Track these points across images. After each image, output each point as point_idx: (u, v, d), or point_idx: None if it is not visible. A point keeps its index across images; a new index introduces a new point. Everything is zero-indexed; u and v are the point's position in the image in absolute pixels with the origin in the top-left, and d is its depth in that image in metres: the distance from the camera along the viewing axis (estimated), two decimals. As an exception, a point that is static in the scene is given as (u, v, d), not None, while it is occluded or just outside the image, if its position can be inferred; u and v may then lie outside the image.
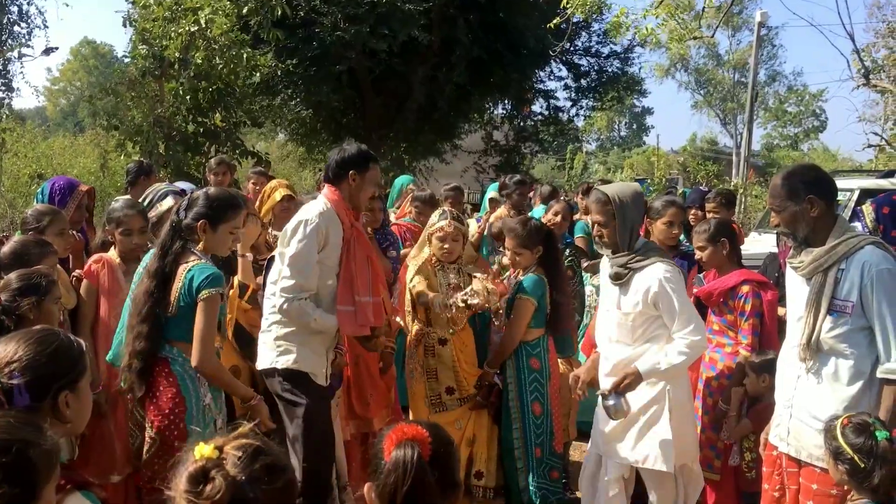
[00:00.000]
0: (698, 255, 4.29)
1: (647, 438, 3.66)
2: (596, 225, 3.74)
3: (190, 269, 3.25)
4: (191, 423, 3.23)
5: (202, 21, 8.99)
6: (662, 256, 3.68)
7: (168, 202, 4.33)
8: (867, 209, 3.96)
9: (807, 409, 3.08)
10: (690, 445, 3.80)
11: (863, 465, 2.57)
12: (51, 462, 1.64)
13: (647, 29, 8.92)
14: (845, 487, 2.72)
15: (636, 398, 3.65)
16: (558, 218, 5.55)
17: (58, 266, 4.02)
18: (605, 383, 3.77)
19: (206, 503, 1.48)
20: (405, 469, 1.75)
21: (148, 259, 3.54)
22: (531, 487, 4.35)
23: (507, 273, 4.89)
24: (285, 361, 3.75)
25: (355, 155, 3.87)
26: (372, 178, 3.92)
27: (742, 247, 4.66)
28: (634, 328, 3.67)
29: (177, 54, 9.14)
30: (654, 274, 3.56)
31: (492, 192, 6.97)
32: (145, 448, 3.28)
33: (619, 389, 3.53)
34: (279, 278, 3.73)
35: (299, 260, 3.70)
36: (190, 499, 1.49)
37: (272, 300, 3.79)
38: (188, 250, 3.32)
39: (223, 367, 3.36)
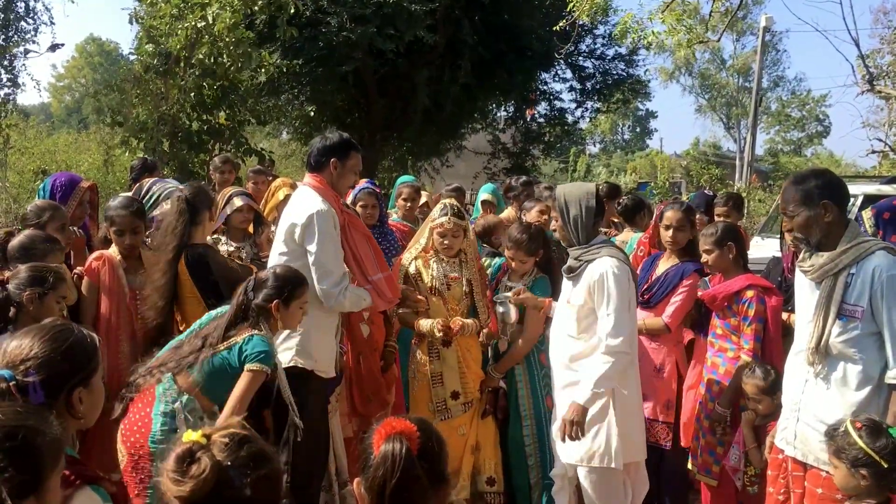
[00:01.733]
0: (704, 258, 4.27)
1: (591, 437, 3.69)
2: (553, 220, 3.91)
3: (250, 337, 3.26)
4: (153, 444, 3.19)
5: (209, 17, 8.99)
6: (615, 253, 3.77)
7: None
8: (866, 214, 3.94)
9: (814, 413, 3.07)
10: (638, 444, 3.83)
11: (886, 466, 2.56)
12: (57, 451, 1.64)
13: (653, 34, 8.90)
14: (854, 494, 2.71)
15: (581, 397, 3.70)
16: (544, 217, 5.56)
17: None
18: (556, 377, 3.92)
19: (191, 482, 1.47)
20: (394, 462, 1.75)
21: (210, 317, 3.52)
22: (545, 482, 4.36)
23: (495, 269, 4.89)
24: (304, 362, 3.76)
25: (337, 142, 3.89)
26: (353, 165, 3.93)
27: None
28: (580, 321, 3.75)
29: (183, 51, 9.13)
30: (601, 266, 3.67)
31: (484, 193, 6.90)
32: (120, 459, 3.29)
33: (570, 430, 3.58)
34: (318, 281, 3.70)
35: (329, 250, 3.73)
36: (175, 478, 1.50)
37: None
38: (258, 325, 3.34)
39: None
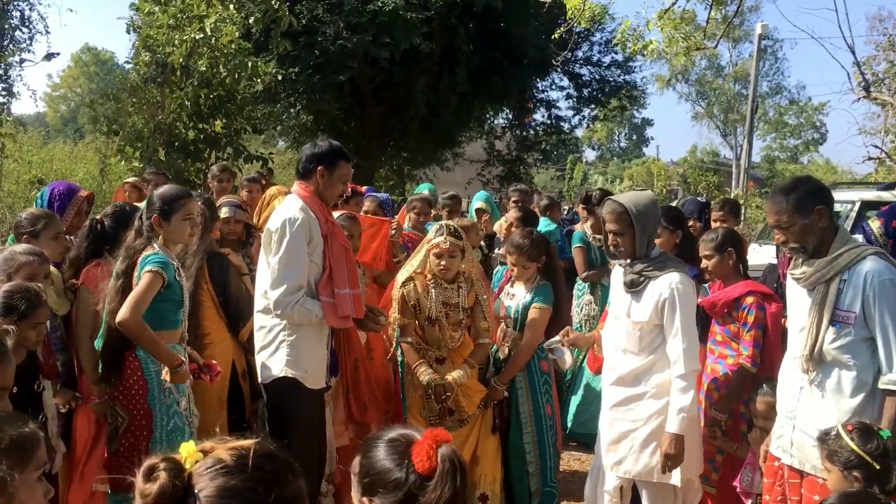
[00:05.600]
0: (704, 263, 4.25)
1: (651, 452, 3.64)
2: (611, 234, 3.70)
3: (144, 258, 3.48)
4: (153, 403, 3.51)
5: (207, 29, 8.99)
6: (679, 267, 3.66)
7: None
8: (874, 223, 3.90)
9: (810, 420, 3.05)
10: (696, 459, 3.76)
11: (878, 467, 2.56)
12: (24, 450, 1.59)
13: (653, 42, 8.88)
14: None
15: (640, 411, 3.68)
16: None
17: (53, 269, 3.99)
18: (609, 394, 3.81)
19: (143, 501, 1.34)
20: (453, 475, 1.55)
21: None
22: (545, 490, 4.37)
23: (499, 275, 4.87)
24: (294, 372, 3.73)
25: (325, 150, 3.83)
26: (341, 175, 3.86)
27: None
28: (643, 337, 3.65)
29: (181, 61, 9.14)
30: (668, 282, 3.57)
31: (478, 201, 6.91)
32: (119, 425, 3.53)
33: (667, 465, 3.54)
34: (271, 287, 3.68)
35: (290, 259, 3.65)
36: (141, 487, 1.35)
37: (267, 314, 3.78)
38: (150, 245, 3.54)
39: (146, 328, 3.42)
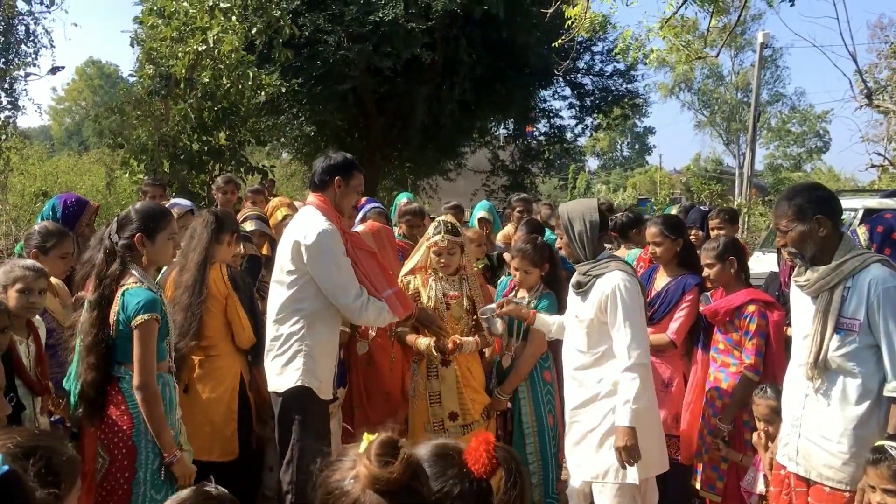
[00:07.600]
0: (706, 272, 4.26)
1: (605, 453, 3.67)
2: (558, 238, 3.95)
3: (124, 293, 3.23)
4: (138, 440, 3.22)
5: (210, 41, 9.05)
6: (624, 267, 3.75)
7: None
8: (861, 230, 3.93)
9: (815, 428, 3.05)
10: (655, 458, 3.78)
11: None
12: (73, 471, 1.64)
13: (654, 51, 8.91)
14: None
15: (594, 412, 3.72)
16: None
17: (59, 283, 4.01)
18: (568, 395, 3.89)
19: (394, 467, 1.34)
20: (518, 471, 1.46)
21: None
22: (546, 501, 4.38)
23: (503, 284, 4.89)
24: (309, 382, 3.75)
25: (341, 162, 3.93)
26: (356, 185, 3.97)
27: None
28: (590, 335, 3.73)
29: (183, 73, 9.20)
30: (611, 281, 3.64)
31: (480, 211, 6.94)
32: (99, 467, 3.24)
33: (624, 459, 3.51)
34: (337, 299, 3.74)
35: (341, 266, 3.75)
36: (385, 459, 1.35)
37: (280, 324, 3.80)
38: (127, 271, 3.28)
39: (159, 400, 3.24)
